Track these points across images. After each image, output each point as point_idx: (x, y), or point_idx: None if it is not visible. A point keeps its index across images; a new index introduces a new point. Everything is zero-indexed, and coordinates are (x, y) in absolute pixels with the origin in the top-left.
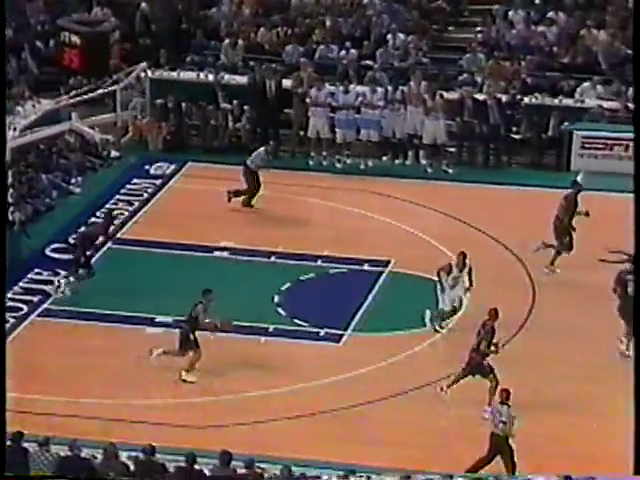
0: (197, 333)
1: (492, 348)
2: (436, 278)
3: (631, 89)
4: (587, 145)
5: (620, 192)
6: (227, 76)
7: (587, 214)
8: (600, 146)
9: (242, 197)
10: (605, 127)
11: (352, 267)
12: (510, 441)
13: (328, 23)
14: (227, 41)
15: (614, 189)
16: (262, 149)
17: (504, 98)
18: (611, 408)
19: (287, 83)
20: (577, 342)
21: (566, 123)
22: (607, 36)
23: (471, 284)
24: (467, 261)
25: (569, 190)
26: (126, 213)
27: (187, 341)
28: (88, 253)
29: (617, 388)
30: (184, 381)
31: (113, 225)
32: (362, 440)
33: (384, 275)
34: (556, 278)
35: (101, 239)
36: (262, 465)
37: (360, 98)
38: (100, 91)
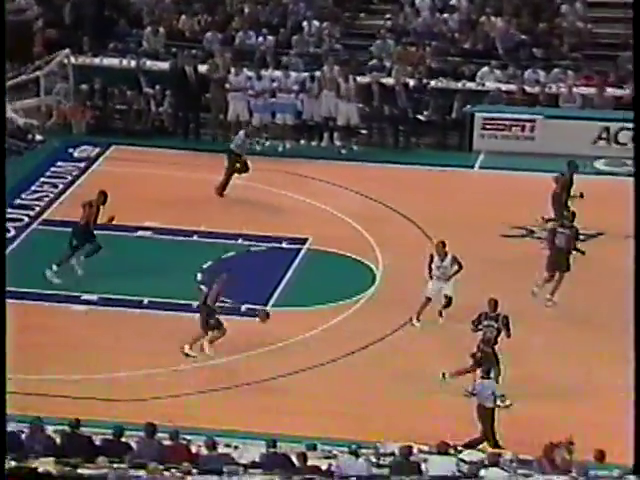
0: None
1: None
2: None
3: (526, 72)
4: (487, 126)
5: (519, 171)
6: (149, 62)
7: (581, 196)
8: (499, 127)
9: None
10: (503, 109)
11: (271, 245)
12: (495, 414)
13: (247, 10)
14: (149, 28)
15: (515, 168)
16: (242, 132)
17: (411, 82)
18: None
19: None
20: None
21: (468, 105)
22: (503, 23)
23: (459, 269)
24: (447, 249)
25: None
26: (51, 195)
27: (209, 323)
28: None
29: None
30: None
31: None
32: (284, 411)
33: (302, 252)
34: (465, 253)
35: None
36: (187, 437)
37: (275, 83)
38: (24, 77)
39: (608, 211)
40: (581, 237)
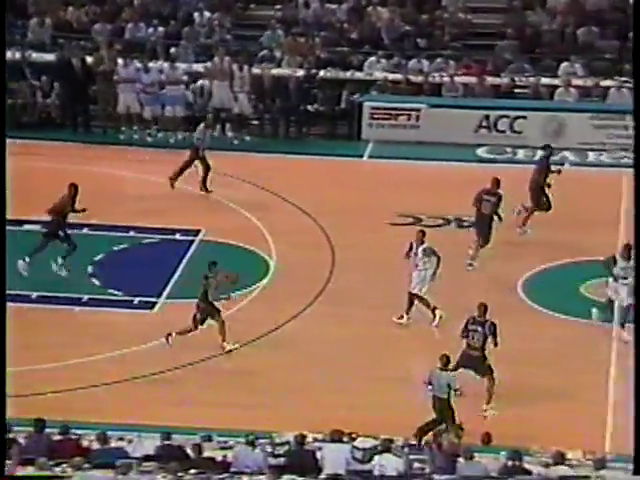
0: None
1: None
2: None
3: (411, 62)
4: (375, 115)
5: (406, 159)
6: (35, 54)
7: (559, 172)
8: (387, 116)
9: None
10: (390, 98)
11: (164, 237)
12: (452, 404)
13: (136, 2)
14: (35, 19)
15: (403, 156)
16: (202, 125)
17: (300, 73)
18: None
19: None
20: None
21: (356, 95)
22: (388, 13)
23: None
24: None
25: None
26: None
27: (207, 314)
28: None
29: None
30: (229, 351)
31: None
32: (179, 402)
33: (195, 244)
34: (354, 242)
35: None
36: (78, 431)
37: (163, 76)
38: None
39: None
40: (465, 224)
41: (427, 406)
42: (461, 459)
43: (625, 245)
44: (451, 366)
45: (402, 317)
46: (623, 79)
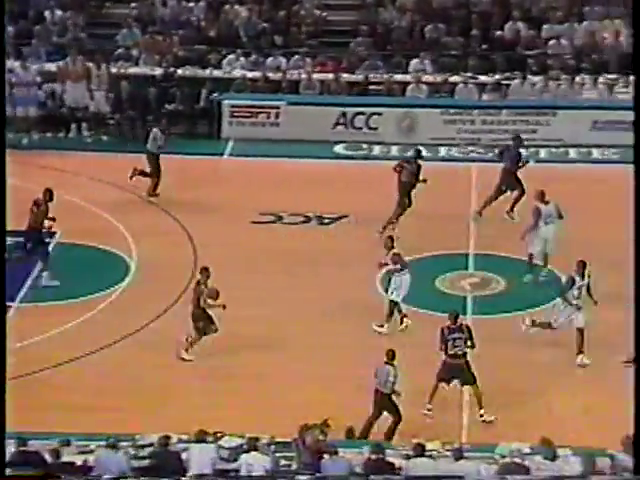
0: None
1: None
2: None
3: (268, 59)
4: (235, 114)
5: (266, 157)
6: None
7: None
8: (246, 114)
9: (149, 185)
10: (249, 96)
11: (19, 240)
12: (394, 398)
13: None
14: None
15: (263, 154)
16: (155, 130)
17: (159, 71)
18: None
19: None
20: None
21: (215, 93)
22: (246, 11)
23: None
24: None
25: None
26: None
27: (200, 322)
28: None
29: None
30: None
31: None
32: (36, 407)
33: (51, 246)
34: (217, 241)
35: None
36: None
37: (13, 76)
38: None
39: (353, 194)
40: (325, 221)
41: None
42: (326, 455)
43: (579, 262)
44: (396, 362)
45: (382, 326)
46: (469, 74)
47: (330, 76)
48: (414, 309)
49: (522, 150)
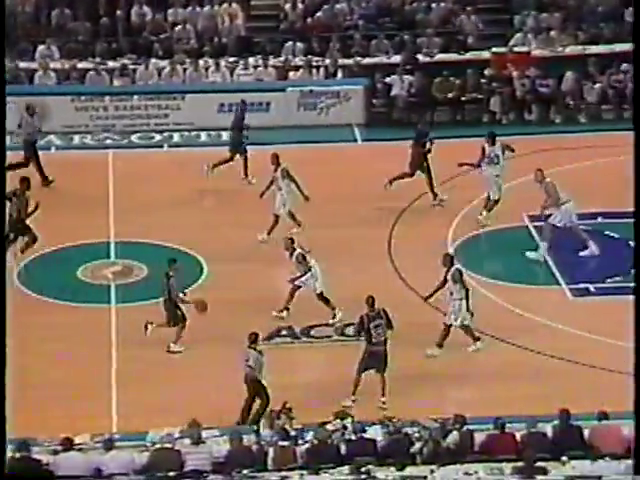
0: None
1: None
2: None
3: None
4: None
5: None
6: None
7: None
8: None
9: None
10: None
11: None
12: (262, 382)
13: None
14: None
15: None
16: (25, 114)
17: None
18: None
19: None
20: None
21: None
22: None
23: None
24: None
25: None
26: None
27: (171, 314)
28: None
29: None
30: (172, 352)
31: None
32: None
33: None
34: None
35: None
36: None
37: None
38: None
39: None
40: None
41: None
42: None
43: (445, 255)
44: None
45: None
46: (98, 60)
47: None
48: (53, 301)
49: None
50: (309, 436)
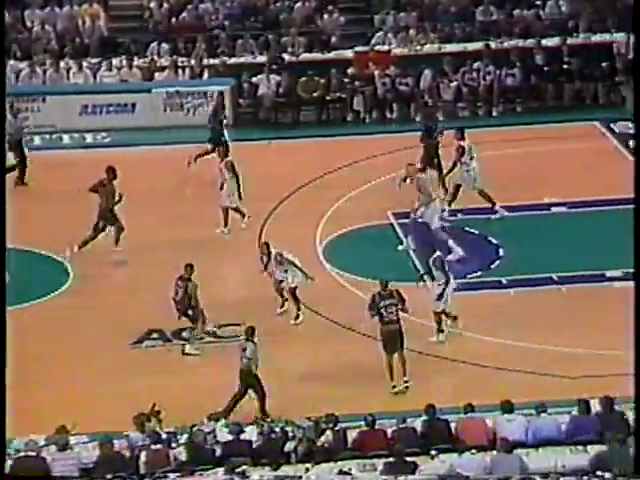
0: None
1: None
2: None
3: None
4: None
5: None
6: None
7: None
8: None
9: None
10: None
11: None
12: (257, 374)
13: None
14: None
15: None
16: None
17: None
18: None
19: None
20: None
21: None
22: None
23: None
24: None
25: None
26: None
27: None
28: None
29: None
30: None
31: None
32: None
33: None
34: None
35: None
36: None
37: None
38: None
39: None
40: None
41: None
42: None
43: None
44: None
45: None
46: None
47: None
48: None
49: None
50: (182, 439)
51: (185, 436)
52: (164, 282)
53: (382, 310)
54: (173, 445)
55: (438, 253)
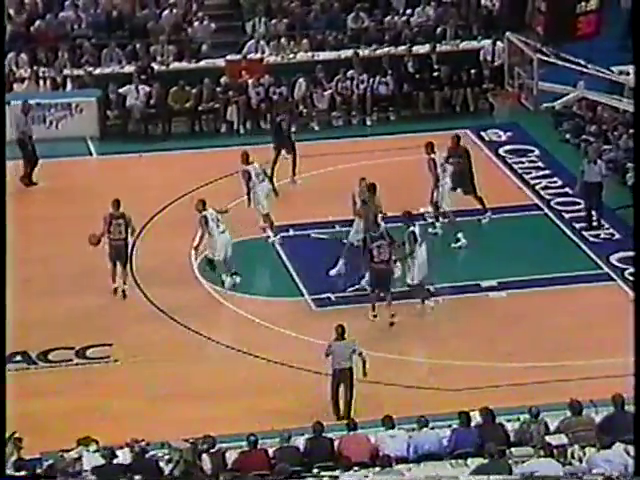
0: None
1: None
2: None
3: None
4: None
5: None
6: None
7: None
8: None
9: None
10: None
11: None
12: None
13: None
14: None
15: None
16: (18, 113)
17: None
18: None
19: None
20: None
21: None
22: None
23: None
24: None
25: None
26: None
27: None
28: None
29: None
30: None
31: None
32: None
33: None
34: None
35: None
36: None
37: None
38: None
39: None
40: None
41: None
42: None
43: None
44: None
45: None
46: None
47: None
48: None
49: None
50: (45, 465)
51: (50, 462)
52: None
53: (374, 251)
54: (38, 472)
55: (412, 228)
